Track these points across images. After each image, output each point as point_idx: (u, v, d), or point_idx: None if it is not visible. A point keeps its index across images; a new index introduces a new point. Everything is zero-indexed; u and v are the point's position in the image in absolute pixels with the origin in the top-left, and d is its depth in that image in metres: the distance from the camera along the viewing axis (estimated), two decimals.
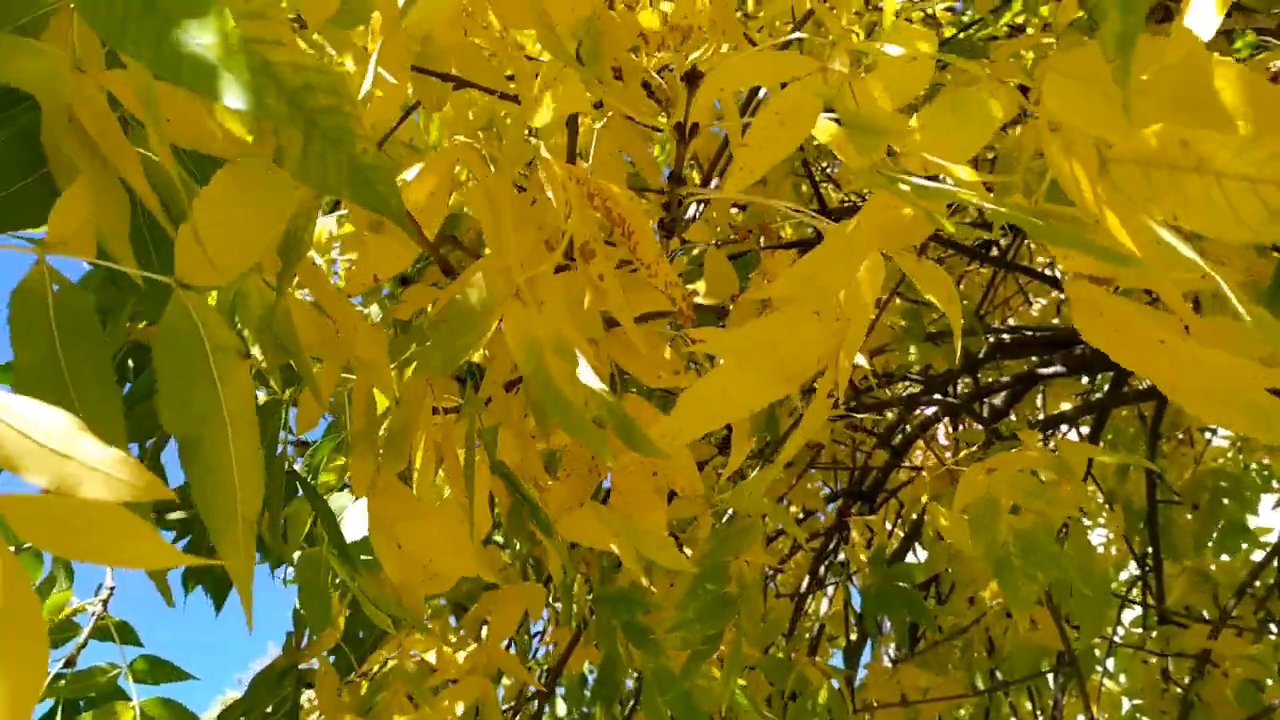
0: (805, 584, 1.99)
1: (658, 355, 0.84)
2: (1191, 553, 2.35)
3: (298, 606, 1.36)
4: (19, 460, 0.38)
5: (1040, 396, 2.60)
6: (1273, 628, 2.13)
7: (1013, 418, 2.33)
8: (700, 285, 1.24)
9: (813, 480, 2.23)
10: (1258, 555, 2.33)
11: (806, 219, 0.72)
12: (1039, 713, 2.29)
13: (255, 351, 0.84)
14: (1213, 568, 2.35)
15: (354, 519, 1.06)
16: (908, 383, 2.22)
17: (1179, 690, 2.08)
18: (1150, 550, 2.22)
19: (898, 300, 2.02)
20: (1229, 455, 2.60)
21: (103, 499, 0.38)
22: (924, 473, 2.00)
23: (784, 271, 1.13)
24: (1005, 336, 2.15)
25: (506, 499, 0.94)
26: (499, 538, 1.43)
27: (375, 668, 1.29)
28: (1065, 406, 2.54)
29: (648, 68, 1.16)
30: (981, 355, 2.13)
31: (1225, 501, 2.34)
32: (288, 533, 1.21)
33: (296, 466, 1.32)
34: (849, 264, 0.59)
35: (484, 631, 1.34)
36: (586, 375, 0.62)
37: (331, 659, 1.34)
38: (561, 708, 1.89)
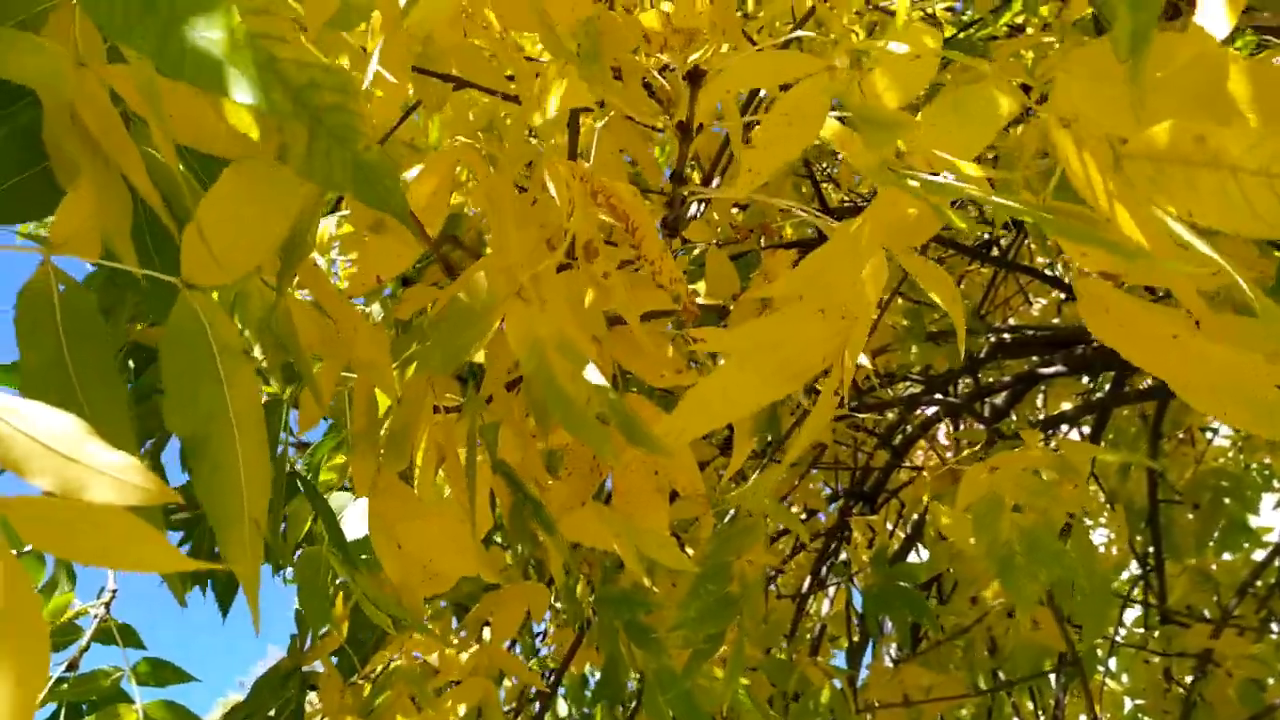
0: (807, 584, 1.99)
1: (660, 354, 0.84)
2: (1193, 552, 2.35)
3: (299, 607, 1.36)
4: (25, 463, 0.38)
5: (1041, 396, 2.60)
6: (1274, 627, 2.13)
7: (1013, 418, 2.33)
8: (701, 285, 1.24)
9: (814, 481, 2.23)
10: (1259, 554, 2.33)
11: (810, 217, 0.72)
12: (1041, 713, 2.28)
13: (256, 351, 0.83)
14: (1214, 567, 2.35)
15: (354, 518, 1.06)
16: (908, 383, 2.22)
17: (1181, 690, 2.08)
18: (1152, 550, 2.22)
19: (899, 300, 2.02)
20: (1230, 455, 2.60)
21: (110, 503, 0.38)
22: (925, 472, 2.00)
23: (785, 271, 1.13)
24: (1006, 336, 2.15)
25: (508, 499, 0.93)
26: (500, 539, 1.43)
27: (378, 669, 1.29)
28: (1066, 406, 2.53)
29: (648, 68, 1.16)
30: (982, 355, 2.12)
31: (1226, 501, 2.34)
32: (287, 533, 1.20)
33: (297, 467, 1.32)
34: (854, 262, 0.59)
35: (486, 632, 1.34)
36: (590, 372, 0.61)
37: (335, 661, 1.34)
38: (563, 708, 1.89)
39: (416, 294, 1.04)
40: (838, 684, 1.64)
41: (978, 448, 1.80)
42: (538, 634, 2.00)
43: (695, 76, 0.81)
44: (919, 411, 2.05)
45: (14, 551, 0.36)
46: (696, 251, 1.49)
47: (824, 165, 2.18)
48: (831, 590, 2.17)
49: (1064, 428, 2.25)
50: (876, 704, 1.93)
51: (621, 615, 1.25)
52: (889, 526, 2.24)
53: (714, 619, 1.20)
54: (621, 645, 1.28)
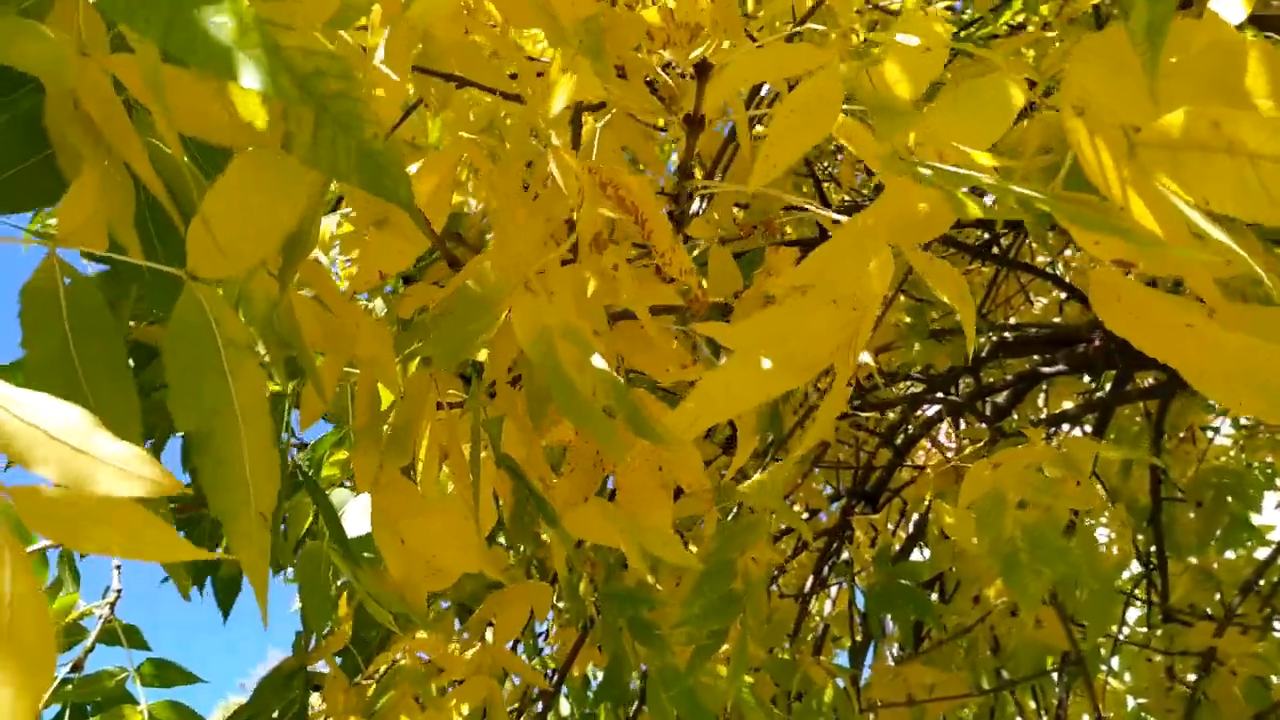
0: (809, 584, 1.99)
1: (667, 349, 0.84)
2: (1196, 550, 2.34)
3: (300, 606, 1.36)
4: (31, 455, 0.38)
5: (1043, 396, 2.59)
6: (1278, 625, 2.12)
7: (1015, 417, 2.32)
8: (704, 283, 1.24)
9: (816, 480, 2.22)
10: (1261, 553, 2.33)
11: (815, 214, 0.72)
12: (1044, 713, 2.28)
13: (259, 347, 0.83)
14: (1215, 565, 2.35)
15: (356, 514, 1.05)
16: (910, 382, 2.21)
17: (1185, 688, 2.07)
18: (1154, 548, 2.21)
19: (901, 298, 2.02)
20: (1231, 454, 2.60)
21: (117, 494, 0.38)
22: (928, 470, 1.99)
23: (789, 267, 1.13)
24: (1007, 335, 2.14)
25: (510, 499, 0.93)
26: (503, 539, 1.42)
27: (381, 669, 1.28)
28: (1067, 405, 2.53)
29: (652, 65, 1.15)
30: (984, 354, 2.12)
31: (1229, 499, 2.34)
32: (288, 529, 1.20)
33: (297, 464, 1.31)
34: (863, 256, 0.59)
35: (489, 632, 1.33)
36: (597, 360, 0.61)
37: (339, 661, 1.33)
38: (565, 707, 1.88)
39: (418, 292, 1.03)
40: (841, 683, 1.64)
41: (980, 445, 1.80)
42: (539, 634, 2.00)
43: (703, 69, 0.81)
44: (921, 411, 2.05)
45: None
46: (697, 251, 1.48)
47: (824, 165, 2.17)
48: (834, 590, 2.17)
49: (1065, 426, 2.25)
50: (879, 703, 1.92)
51: (625, 612, 1.24)
52: (890, 526, 2.24)
53: (718, 616, 1.20)
54: (625, 643, 1.27)
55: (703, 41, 1.05)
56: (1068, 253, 2.67)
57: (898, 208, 0.59)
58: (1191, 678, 2.04)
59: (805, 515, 2.19)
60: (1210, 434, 2.55)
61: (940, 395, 1.99)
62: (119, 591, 1.25)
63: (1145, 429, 2.43)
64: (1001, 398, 2.18)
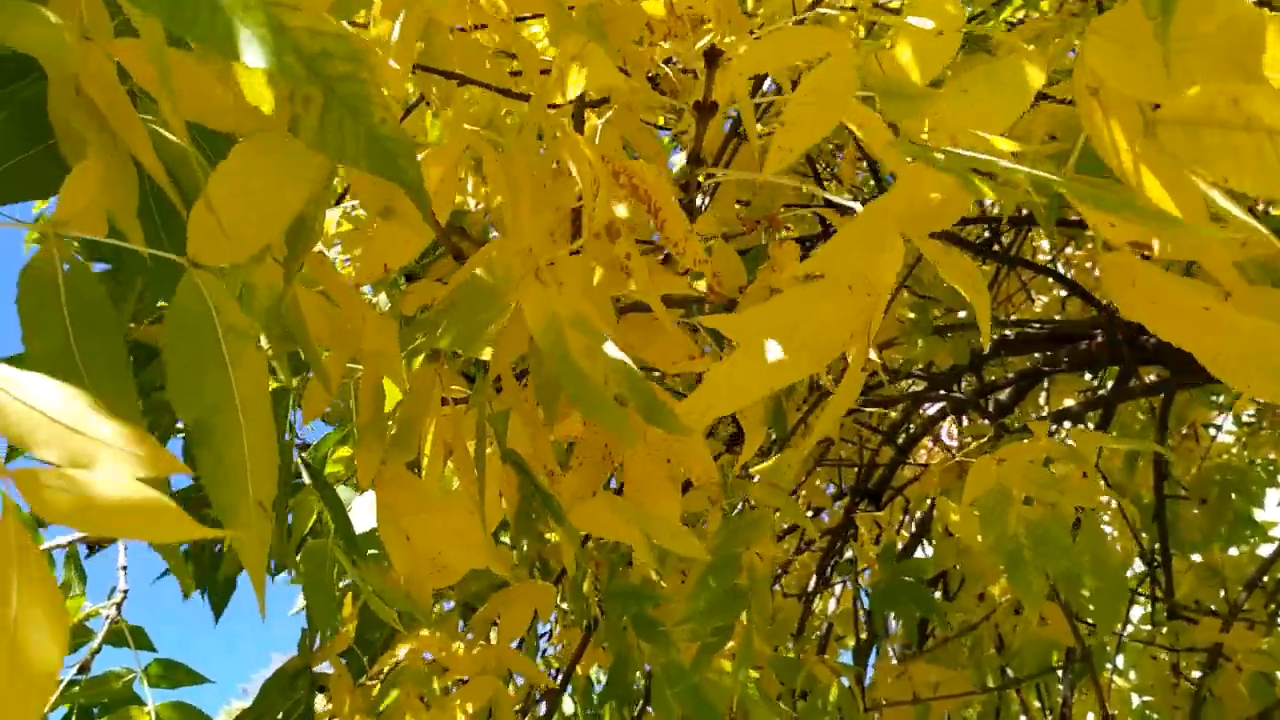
0: (813, 583, 1.98)
1: (676, 340, 0.83)
2: (1200, 547, 2.34)
3: (304, 606, 1.35)
4: (30, 436, 0.37)
5: (1044, 394, 2.59)
6: None
7: (1017, 414, 2.32)
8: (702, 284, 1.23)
9: (819, 478, 2.22)
10: (1265, 549, 2.32)
11: (821, 208, 0.71)
12: (1048, 711, 2.27)
13: (262, 341, 0.82)
14: (1220, 561, 2.34)
15: (360, 512, 1.05)
16: (912, 380, 2.21)
17: (1190, 685, 2.06)
18: (1158, 545, 2.21)
19: (904, 294, 2.02)
20: (1233, 451, 2.60)
21: (118, 474, 0.37)
22: (932, 467, 1.99)
23: (793, 262, 1.13)
24: (1009, 332, 2.14)
25: (514, 498, 0.92)
26: (506, 538, 1.41)
27: (386, 668, 1.28)
28: (1069, 403, 2.53)
29: (654, 58, 1.15)
30: (986, 352, 2.12)
31: (1233, 496, 2.33)
32: (292, 528, 1.19)
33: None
34: (876, 244, 0.58)
35: (493, 632, 1.33)
36: (609, 349, 0.60)
37: (344, 661, 1.33)
38: (568, 706, 1.87)
39: (422, 289, 1.03)
40: (845, 682, 1.63)
41: (984, 440, 1.79)
42: (542, 635, 1.99)
43: (713, 55, 0.80)
44: (923, 409, 2.04)
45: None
46: (703, 246, 1.48)
47: (824, 164, 2.17)
48: (838, 589, 2.16)
49: (1068, 424, 2.24)
50: (884, 702, 1.92)
51: (629, 609, 1.23)
52: (893, 525, 2.23)
53: (722, 611, 1.19)
54: (629, 641, 1.27)
55: (704, 35, 1.04)
56: (1069, 250, 2.67)
57: (909, 196, 0.58)
58: (1196, 675, 2.03)
59: (809, 514, 2.18)
60: (1213, 431, 2.55)
61: (943, 393, 1.99)
62: (125, 592, 1.24)
63: (1148, 426, 2.43)
64: (1004, 395, 2.18)
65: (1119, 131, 0.48)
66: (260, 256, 0.77)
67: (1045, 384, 2.49)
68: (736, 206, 1.56)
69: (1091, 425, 2.15)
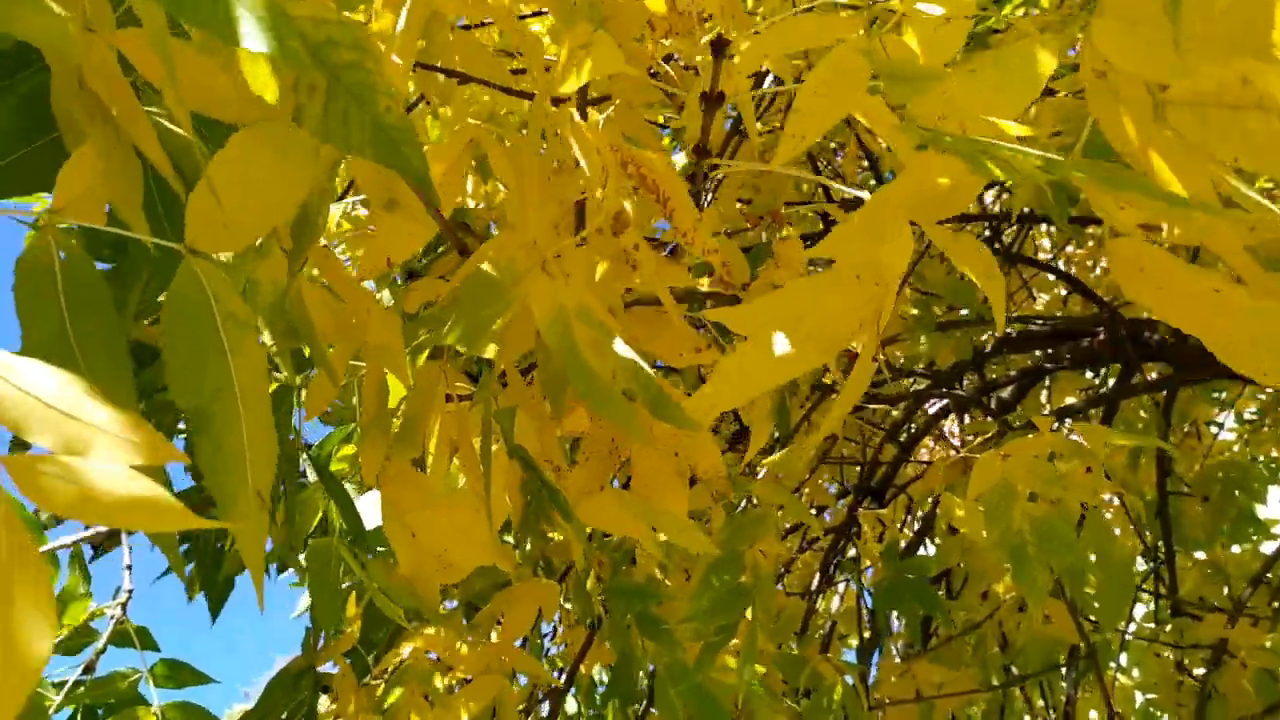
0: (815, 582, 1.98)
1: (681, 333, 0.83)
2: (1203, 544, 2.34)
3: (309, 605, 1.34)
4: (24, 422, 0.36)
5: (1045, 392, 2.59)
6: None
7: (1019, 412, 2.32)
8: (704, 282, 1.23)
9: (822, 477, 2.22)
10: (1268, 547, 2.32)
11: (824, 204, 0.71)
12: (1051, 710, 2.27)
13: (265, 337, 0.82)
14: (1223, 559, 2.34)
15: (365, 510, 1.04)
16: (914, 378, 2.21)
17: (1195, 682, 2.06)
18: (1161, 543, 2.21)
19: (908, 290, 2.01)
20: (1235, 448, 2.60)
21: (112, 461, 0.37)
22: (935, 464, 1.98)
23: (798, 258, 1.12)
24: (1011, 330, 2.14)
25: (518, 497, 0.92)
26: (510, 538, 1.41)
27: (390, 667, 1.27)
28: (1070, 401, 2.53)
29: (655, 55, 1.14)
30: (988, 349, 2.11)
31: (1237, 492, 2.33)
32: (297, 526, 1.19)
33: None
34: (885, 232, 0.58)
35: (494, 633, 1.32)
36: (617, 344, 0.60)
37: (348, 661, 1.32)
38: (571, 706, 1.87)
39: (425, 286, 1.02)
40: (849, 680, 1.63)
41: (988, 436, 1.79)
42: (545, 634, 1.99)
43: (719, 46, 0.80)
44: (926, 407, 2.04)
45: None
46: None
47: (824, 162, 2.17)
48: (841, 587, 2.16)
49: (1070, 422, 2.24)
50: (888, 700, 1.91)
51: (633, 608, 1.23)
52: (896, 524, 2.23)
53: (726, 609, 1.19)
54: (633, 639, 1.26)
55: (708, 31, 1.04)
56: (1070, 249, 2.67)
57: (917, 183, 0.58)
58: (1200, 671, 2.03)
59: (813, 512, 2.18)
60: (1214, 429, 2.55)
61: (945, 390, 1.98)
62: (130, 592, 1.24)
63: (1151, 423, 2.42)
64: (1006, 393, 2.17)
65: (1127, 114, 0.47)
66: (263, 251, 0.76)
67: (1046, 382, 2.49)
68: (738, 205, 1.56)
69: (1095, 422, 2.15)
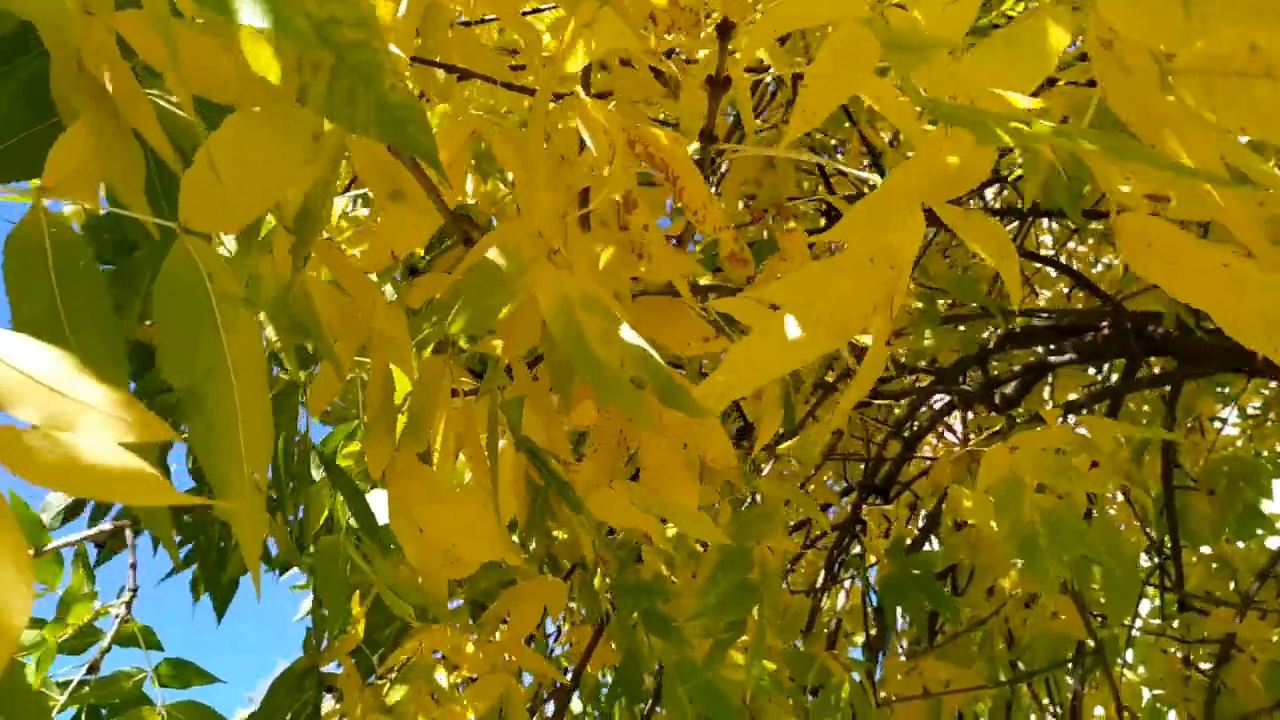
0: (821, 579, 1.97)
1: (689, 321, 0.82)
2: (1209, 539, 2.33)
3: (315, 606, 1.34)
4: (10, 397, 0.36)
5: (1048, 388, 2.58)
6: None
7: (1023, 408, 2.31)
8: (707, 278, 1.23)
9: (826, 474, 2.21)
10: (1274, 540, 2.31)
11: (827, 198, 0.71)
12: (1058, 706, 2.26)
13: (269, 333, 0.81)
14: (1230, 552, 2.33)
15: (372, 507, 1.04)
16: (917, 375, 2.20)
17: (1202, 677, 2.05)
18: (1168, 537, 2.20)
19: (912, 285, 2.01)
20: (1239, 443, 2.60)
21: (101, 438, 0.36)
22: (941, 459, 1.98)
23: (803, 252, 1.12)
24: (1014, 326, 2.14)
25: (524, 494, 0.92)
26: (515, 537, 1.41)
27: (396, 667, 1.27)
28: (1073, 397, 2.52)
29: (656, 50, 1.14)
30: (991, 345, 2.11)
31: (1242, 485, 2.32)
32: (305, 524, 1.18)
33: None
34: (898, 214, 0.57)
35: (498, 632, 1.32)
36: (626, 332, 0.59)
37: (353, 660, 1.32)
38: (576, 705, 1.86)
39: (428, 281, 1.02)
40: (857, 677, 1.62)
41: (995, 430, 1.79)
42: (550, 634, 1.98)
43: (725, 29, 0.80)
44: (930, 403, 2.04)
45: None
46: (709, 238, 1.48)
47: (826, 159, 2.17)
48: (846, 584, 2.15)
49: (1072, 418, 2.24)
50: (895, 697, 1.91)
51: (640, 605, 1.22)
52: (901, 521, 2.22)
53: (734, 606, 1.18)
54: (640, 637, 1.26)
55: (706, 26, 1.04)
56: (1072, 245, 2.67)
57: (928, 164, 0.57)
58: (1207, 666, 2.02)
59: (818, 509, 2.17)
60: (1218, 424, 2.55)
61: (949, 386, 1.98)
62: (134, 590, 1.23)
63: (1155, 418, 2.42)
64: (1010, 388, 2.17)
65: (1134, 84, 0.47)
66: (266, 245, 0.76)
67: (1049, 378, 2.49)
68: (740, 204, 1.56)
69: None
